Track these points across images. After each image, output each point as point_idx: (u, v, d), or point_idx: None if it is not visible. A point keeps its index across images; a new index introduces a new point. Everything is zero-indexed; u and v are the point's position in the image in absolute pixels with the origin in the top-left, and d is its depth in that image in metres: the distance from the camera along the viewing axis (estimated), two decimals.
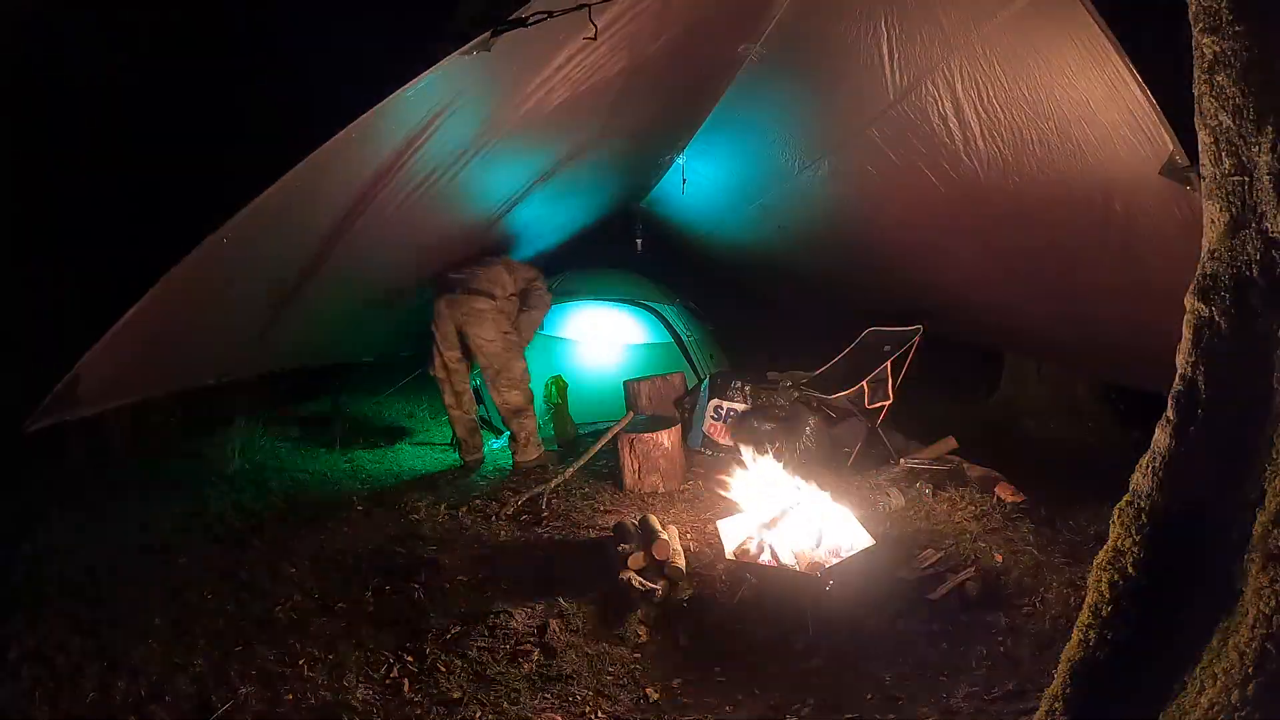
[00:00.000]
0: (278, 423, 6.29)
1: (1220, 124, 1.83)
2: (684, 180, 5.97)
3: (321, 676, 2.87)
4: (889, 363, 4.93)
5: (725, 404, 5.64)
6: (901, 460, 4.74)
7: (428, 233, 4.69)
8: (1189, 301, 1.95)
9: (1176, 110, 2.38)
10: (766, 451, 4.01)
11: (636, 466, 4.87)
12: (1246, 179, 1.82)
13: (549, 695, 2.79)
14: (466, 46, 2.56)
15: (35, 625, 3.14)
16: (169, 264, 2.97)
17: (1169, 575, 1.95)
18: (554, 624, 3.16)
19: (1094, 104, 2.86)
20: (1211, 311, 1.89)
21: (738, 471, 4.18)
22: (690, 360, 7.02)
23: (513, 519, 4.44)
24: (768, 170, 5.22)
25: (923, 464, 4.64)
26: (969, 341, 5.88)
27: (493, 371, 5.31)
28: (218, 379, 4.71)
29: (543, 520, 4.43)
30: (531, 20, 2.51)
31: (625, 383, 6.06)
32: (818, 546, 3.46)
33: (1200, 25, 1.82)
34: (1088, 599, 2.07)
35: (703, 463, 5.38)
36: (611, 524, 4.16)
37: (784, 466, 4.00)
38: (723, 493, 4.19)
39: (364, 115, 2.72)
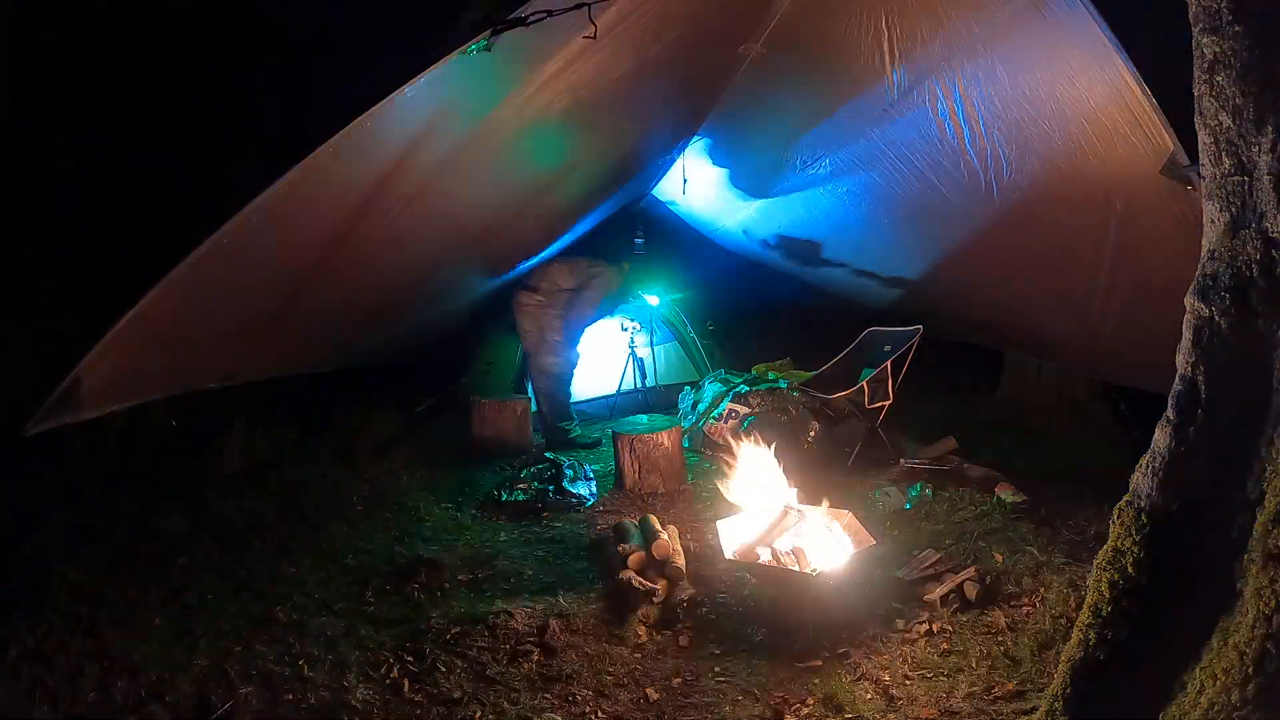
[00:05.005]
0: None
1: (1220, 124, 1.83)
2: (685, 180, 5.97)
3: (321, 676, 2.88)
4: (889, 363, 4.92)
5: (729, 405, 5.64)
6: (901, 460, 4.74)
7: (430, 240, 4.67)
8: (1189, 301, 1.95)
9: (1176, 110, 2.38)
10: (769, 449, 3.95)
11: (636, 466, 4.86)
12: (1246, 179, 1.82)
13: (549, 695, 2.79)
14: (467, 45, 2.56)
15: (35, 625, 3.13)
16: (170, 265, 2.96)
17: (1169, 575, 1.95)
18: (554, 624, 3.16)
19: (1094, 103, 2.86)
20: (1211, 311, 1.89)
21: (739, 471, 4.15)
22: (693, 359, 7.03)
23: (513, 519, 4.44)
24: (768, 170, 5.22)
25: (923, 464, 4.63)
26: (969, 341, 5.88)
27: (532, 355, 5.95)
28: (221, 382, 4.69)
29: (543, 520, 4.43)
30: (531, 19, 2.50)
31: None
32: (817, 547, 3.46)
33: (1200, 25, 1.82)
34: (1088, 599, 2.07)
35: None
36: (611, 524, 4.16)
37: (782, 472, 3.91)
38: (723, 492, 4.18)
39: (363, 115, 2.72)
